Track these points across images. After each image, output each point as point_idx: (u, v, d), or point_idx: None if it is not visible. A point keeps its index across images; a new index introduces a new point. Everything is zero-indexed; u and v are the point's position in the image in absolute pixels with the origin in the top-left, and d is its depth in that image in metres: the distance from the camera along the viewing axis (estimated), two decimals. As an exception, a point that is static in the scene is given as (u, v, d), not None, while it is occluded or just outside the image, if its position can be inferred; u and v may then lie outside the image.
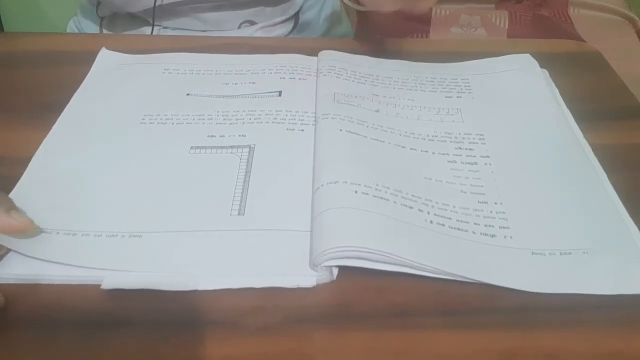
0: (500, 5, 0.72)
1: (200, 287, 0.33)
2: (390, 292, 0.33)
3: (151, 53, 0.55)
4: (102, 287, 0.33)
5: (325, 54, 0.55)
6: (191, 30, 0.67)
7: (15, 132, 0.46)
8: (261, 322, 0.32)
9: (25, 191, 0.39)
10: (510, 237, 0.36)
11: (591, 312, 0.32)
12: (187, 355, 0.30)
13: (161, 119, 0.46)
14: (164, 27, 0.67)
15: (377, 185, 0.38)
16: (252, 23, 0.68)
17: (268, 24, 0.69)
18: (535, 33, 0.68)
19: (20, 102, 0.49)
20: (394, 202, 0.37)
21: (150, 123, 0.46)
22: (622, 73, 0.54)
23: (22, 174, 0.40)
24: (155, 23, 0.67)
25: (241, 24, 0.68)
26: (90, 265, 0.33)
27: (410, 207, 0.37)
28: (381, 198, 0.37)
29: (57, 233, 0.35)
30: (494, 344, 0.31)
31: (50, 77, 0.52)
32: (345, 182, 0.37)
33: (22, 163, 0.41)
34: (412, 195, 0.38)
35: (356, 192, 0.37)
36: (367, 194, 0.37)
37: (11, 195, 0.38)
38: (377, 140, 0.43)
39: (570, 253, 0.35)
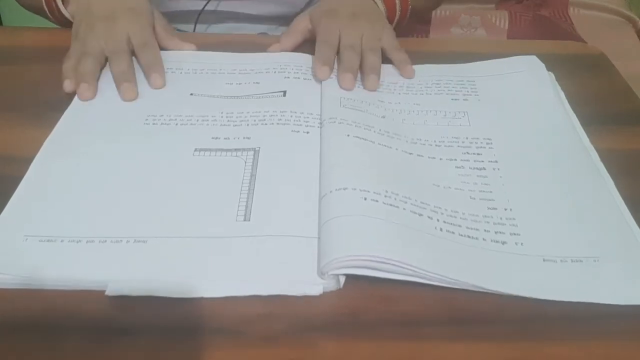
0: (500, 5, 0.72)
1: (206, 295, 0.32)
2: (397, 300, 0.33)
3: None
4: (106, 293, 0.32)
5: None
6: None
7: (16, 130, 0.45)
8: (266, 331, 0.31)
9: (26, 197, 0.38)
10: (521, 243, 0.36)
11: (600, 322, 0.32)
12: (191, 364, 0.30)
13: (164, 119, 0.46)
14: (179, 31, 0.68)
15: (387, 192, 0.37)
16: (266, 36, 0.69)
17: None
18: (535, 33, 0.68)
19: (21, 99, 0.49)
20: (404, 208, 0.36)
21: (154, 124, 0.45)
22: (622, 73, 0.53)
23: (23, 174, 0.40)
24: (175, 26, 0.67)
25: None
26: (96, 274, 0.33)
27: (420, 215, 0.37)
28: (391, 205, 0.36)
29: (62, 241, 0.35)
30: (501, 355, 0.30)
31: (51, 73, 0.51)
32: (355, 189, 0.37)
33: (23, 162, 0.41)
34: (421, 202, 0.38)
35: (365, 199, 0.36)
36: (377, 200, 0.36)
37: (11, 201, 0.37)
38: (384, 146, 0.43)
39: (581, 261, 0.35)
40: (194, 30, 0.66)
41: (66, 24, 0.56)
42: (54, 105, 0.47)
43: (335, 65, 0.51)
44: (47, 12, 0.57)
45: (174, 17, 0.67)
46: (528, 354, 0.31)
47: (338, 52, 0.52)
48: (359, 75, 0.51)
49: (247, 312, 0.32)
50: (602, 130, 0.45)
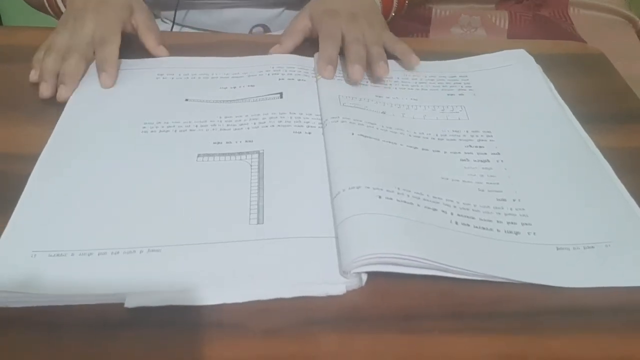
0: (500, 5, 0.72)
1: (229, 301, 0.32)
2: (397, 294, 0.33)
3: (143, 50, 0.54)
4: (125, 305, 0.31)
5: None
6: (202, 29, 0.67)
7: (16, 127, 0.45)
8: (267, 325, 0.31)
9: (28, 211, 0.37)
10: (534, 233, 0.36)
11: (601, 316, 0.32)
12: (192, 357, 0.29)
13: (162, 126, 0.45)
14: (176, 24, 0.66)
15: (399, 189, 0.37)
16: (265, 28, 0.67)
17: (279, 32, 0.68)
18: (535, 33, 0.69)
19: (21, 97, 0.49)
20: (418, 205, 0.37)
21: (152, 131, 0.44)
22: (622, 73, 0.54)
23: (23, 172, 0.39)
24: (167, 18, 0.66)
25: (253, 27, 0.67)
26: (113, 287, 0.32)
27: (434, 209, 0.37)
28: (405, 202, 0.36)
29: (72, 254, 0.34)
30: (501, 349, 0.31)
31: None
32: (368, 187, 0.37)
33: (23, 160, 0.41)
34: (434, 197, 0.38)
35: (380, 197, 0.36)
36: (391, 198, 0.36)
37: (14, 216, 0.36)
38: (389, 142, 0.43)
39: (593, 247, 0.35)
40: (174, 16, 0.65)
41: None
42: (53, 103, 0.47)
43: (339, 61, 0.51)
44: (48, 7, 0.59)
45: (158, 4, 0.66)
46: (529, 347, 0.31)
47: (340, 52, 0.52)
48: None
49: (247, 306, 0.32)
50: (602, 129, 0.46)
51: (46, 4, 0.59)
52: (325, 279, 0.33)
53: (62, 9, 0.57)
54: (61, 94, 0.47)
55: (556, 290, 0.33)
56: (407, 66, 0.53)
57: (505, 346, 0.31)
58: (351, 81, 0.49)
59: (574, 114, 0.47)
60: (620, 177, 0.41)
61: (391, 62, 0.54)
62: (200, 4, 0.65)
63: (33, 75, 0.50)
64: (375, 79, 0.50)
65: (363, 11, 0.55)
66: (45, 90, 0.48)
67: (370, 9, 0.56)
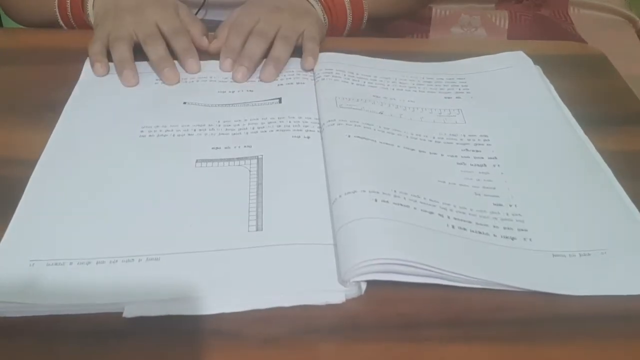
0: (500, 5, 0.73)
1: (228, 310, 0.32)
2: (396, 302, 0.33)
3: (141, 53, 0.53)
4: (124, 315, 0.31)
5: (319, 57, 0.54)
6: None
7: (14, 132, 0.45)
8: (266, 333, 0.31)
9: (26, 219, 0.37)
10: (530, 239, 0.36)
11: (599, 324, 0.32)
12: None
13: (160, 130, 0.45)
14: None
15: (395, 191, 0.37)
16: None
17: None
18: (535, 33, 0.69)
19: (20, 100, 0.49)
20: (414, 208, 0.37)
21: (150, 136, 0.44)
22: (622, 73, 0.54)
23: (22, 176, 0.39)
24: None
25: None
26: (112, 296, 0.32)
27: (431, 213, 0.37)
28: (401, 205, 0.36)
29: (70, 263, 0.34)
30: (499, 356, 0.31)
31: (50, 74, 0.51)
32: (364, 191, 0.37)
33: (21, 164, 0.41)
34: (430, 200, 0.38)
35: (376, 200, 0.36)
36: (387, 201, 0.36)
37: (11, 224, 0.36)
38: (386, 143, 0.43)
39: (589, 254, 0.36)
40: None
41: (82, 24, 0.56)
42: (53, 106, 0.47)
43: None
44: (57, 10, 0.57)
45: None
46: (528, 355, 0.31)
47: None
48: (350, 75, 0.51)
49: (247, 314, 0.32)
50: (602, 132, 0.45)
51: (56, 8, 0.57)
52: (324, 287, 0.33)
53: (88, 7, 0.56)
54: (171, 77, 0.50)
55: (554, 298, 0.33)
56: (302, 65, 0.52)
57: (504, 354, 0.31)
58: (233, 80, 0.51)
59: (574, 115, 0.47)
60: (620, 181, 0.41)
61: (391, 62, 0.54)
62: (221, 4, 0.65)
63: (100, 69, 0.50)
64: (260, 78, 0.51)
65: (292, 6, 0.54)
66: (132, 78, 0.49)
67: (301, 7, 0.55)
